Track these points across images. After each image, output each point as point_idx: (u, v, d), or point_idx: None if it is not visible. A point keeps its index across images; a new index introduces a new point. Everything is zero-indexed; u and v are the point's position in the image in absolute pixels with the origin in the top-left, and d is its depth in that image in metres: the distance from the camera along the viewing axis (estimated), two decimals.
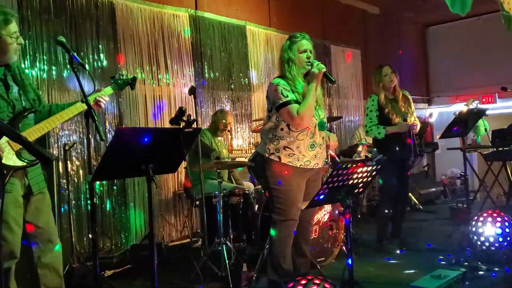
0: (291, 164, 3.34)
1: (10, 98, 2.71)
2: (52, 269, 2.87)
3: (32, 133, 2.68)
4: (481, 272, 3.75)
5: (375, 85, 4.81)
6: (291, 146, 3.34)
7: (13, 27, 2.68)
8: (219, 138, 5.32)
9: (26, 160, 2.66)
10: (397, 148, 4.62)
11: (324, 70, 3.32)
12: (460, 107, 5.53)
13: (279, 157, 3.35)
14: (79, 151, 4.73)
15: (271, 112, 3.41)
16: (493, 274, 3.72)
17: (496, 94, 9.05)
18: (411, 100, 4.89)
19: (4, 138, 2.54)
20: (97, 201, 4.81)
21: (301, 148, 3.34)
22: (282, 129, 3.36)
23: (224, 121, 5.17)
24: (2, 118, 2.62)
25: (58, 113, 2.78)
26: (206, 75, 6.00)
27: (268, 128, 3.44)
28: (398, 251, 4.67)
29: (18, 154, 2.63)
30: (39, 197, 2.82)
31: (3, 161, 2.53)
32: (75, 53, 2.65)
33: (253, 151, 5.43)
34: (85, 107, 2.72)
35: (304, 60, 3.36)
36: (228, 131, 5.52)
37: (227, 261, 3.88)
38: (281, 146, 3.35)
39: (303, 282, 2.64)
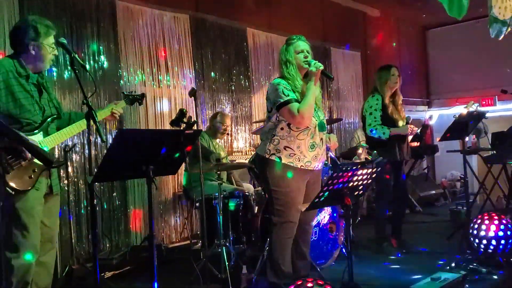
0: (292, 165, 3.34)
1: (42, 103, 2.91)
2: (46, 269, 2.96)
3: (56, 139, 2.89)
4: (480, 275, 3.75)
5: (381, 84, 4.75)
6: (292, 146, 3.35)
7: (52, 39, 2.92)
8: (217, 140, 5.32)
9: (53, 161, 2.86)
10: (396, 150, 4.63)
11: (321, 68, 3.35)
12: (460, 109, 5.53)
13: (280, 158, 3.35)
14: (79, 152, 4.74)
15: (271, 113, 3.42)
16: (493, 277, 3.72)
17: (496, 96, 9.05)
18: (403, 106, 4.95)
19: (37, 138, 2.80)
20: (97, 202, 4.81)
21: (302, 148, 3.35)
22: (282, 129, 3.37)
23: (224, 124, 5.17)
24: (35, 121, 2.84)
25: (80, 121, 2.97)
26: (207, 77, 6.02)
27: (268, 128, 3.45)
28: (397, 254, 4.67)
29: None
30: (55, 198, 3.00)
31: (35, 160, 2.72)
32: (76, 54, 2.69)
33: (253, 152, 5.44)
34: (102, 117, 3.09)
35: (302, 60, 3.39)
36: (227, 134, 5.52)
37: (226, 263, 3.87)
38: (282, 146, 3.36)
39: (303, 284, 2.64)
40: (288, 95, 3.30)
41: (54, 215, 3.00)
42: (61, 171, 4.44)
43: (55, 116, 2.98)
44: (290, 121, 3.33)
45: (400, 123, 4.68)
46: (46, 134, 2.87)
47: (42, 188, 2.84)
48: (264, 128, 3.55)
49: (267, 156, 3.39)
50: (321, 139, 3.47)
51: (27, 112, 2.80)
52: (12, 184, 2.63)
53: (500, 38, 4.88)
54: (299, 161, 3.35)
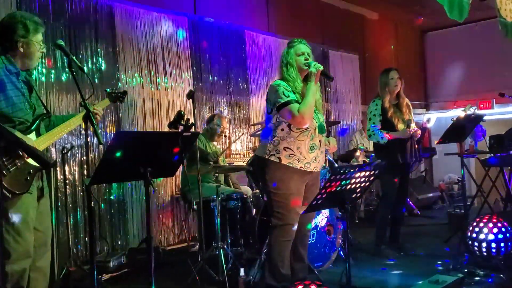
0: (292, 166, 3.34)
1: (32, 102, 2.82)
2: (43, 273, 2.90)
3: (45, 141, 2.78)
4: (478, 278, 3.76)
5: (381, 87, 4.80)
6: (291, 146, 3.35)
7: (40, 36, 2.84)
8: (214, 142, 5.31)
9: None
10: (400, 153, 4.64)
11: (321, 69, 3.37)
12: (458, 112, 5.54)
13: (279, 158, 3.35)
14: (77, 154, 4.73)
15: (271, 114, 3.43)
16: (490, 280, 3.72)
17: (494, 99, 9.08)
18: (411, 108, 4.93)
19: (31, 138, 2.71)
20: (95, 205, 4.80)
21: (302, 149, 3.35)
22: (282, 130, 3.37)
23: (221, 126, 5.17)
24: (28, 120, 2.75)
25: (66, 122, 2.89)
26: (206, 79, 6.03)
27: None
28: (395, 256, 4.67)
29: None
30: (44, 201, 2.89)
31: (30, 161, 2.62)
32: (74, 57, 2.68)
33: (251, 155, 5.43)
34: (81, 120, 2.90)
35: (302, 62, 3.42)
36: (225, 135, 5.52)
37: (224, 266, 3.87)
38: (281, 147, 3.36)
39: (301, 287, 2.64)
40: (288, 96, 3.31)
41: (46, 219, 2.90)
42: (58, 173, 4.45)
43: (45, 115, 2.89)
44: (290, 121, 3.34)
45: (401, 127, 4.68)
46: (38, 133, 2.79)
47: (35, 191, 2.76)
48: (264, 129, 3.55)
49: (266, 157, 3.39)
50: (320, 141, 3.48)
51: (20, 111, 2.71)
52: (9, 187, 2.54)
53: None
54: (298, 162, 3.36)
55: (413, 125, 4.72)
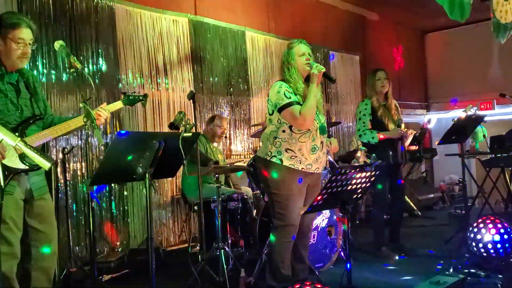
0: (293, 167, 3.34)
1: (20, 103, 2.76)
2: (45, 274, 2.89)
3: (36, 139, 2.71)
4: (479, 279, 3.75)
5: (368, 88, 4.85)
6: (293, 148, 3.35)
7: (21, 33, 2.71)
8: (215, 144, 5.30)
9: (28, 164, 2.68)
10: (389, 153, 4.63)
11: (323, 70, 3.36)
12: (459, 113, 5.54)
13: (281, 160, 3.35)
14: (78, 155, 4.72)
15: (272, 115, 3.42)
16: (492, 281, 3.71)
17: (495, 100, 9.07)
18: (399, 109, 4.94)
19: (12, 140, 2.59)
20: (95, 205, 4.79)
21: (303, 150, 3.35)
22: (284, 131, 3.37)
23: (222, 127, 5.16)
24: (9, 122, 2.68)
25: (65, 122, 2.82)
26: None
27: (269, 131, 3.45)
28: (396, 257, 4.66)
29: (21, 157, 2.66)
30: (41, 203, 2.86)
31: (6, 162, 2.56)
32: (75, 57, 2.67)
33: (251, 156, 5.43)
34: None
35: (303, 63, 3.41)
36: (225, 136, 5.51)
37: (225, 266, 3.87)
38: (283, 148, 3.36)
39: (298, 286, 2.63)
40: (290, 98, 3.31)
41: (46, 219, 2.86)
42: (59, 173, 4.44)
43: (36, 117, 2.82)
44: (292, 123, 3.33)
45: (391, 127, 4.69)
46: (24, 135, 2.71)
47: (17, 191, 2.70)
48: (266, 131, 3.55)
49: (268, 158, 3.39)
50: (322, 142, 3.47)
51: (0, 113, 2.65)
52: None
53: (503, 42, 4.93)
54: (300, 163, 3.35)
55: (402, 126, 4.74)
